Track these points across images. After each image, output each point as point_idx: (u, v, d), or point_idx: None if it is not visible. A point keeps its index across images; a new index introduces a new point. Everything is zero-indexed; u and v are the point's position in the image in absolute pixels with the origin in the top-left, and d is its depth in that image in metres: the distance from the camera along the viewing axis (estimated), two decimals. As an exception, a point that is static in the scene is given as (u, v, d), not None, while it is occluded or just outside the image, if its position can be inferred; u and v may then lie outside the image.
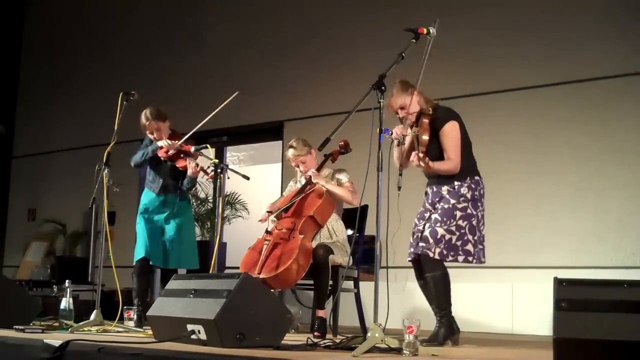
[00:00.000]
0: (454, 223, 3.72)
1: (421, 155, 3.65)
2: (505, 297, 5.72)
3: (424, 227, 3.81)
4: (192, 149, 4.67)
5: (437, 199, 3.84)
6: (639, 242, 5.40)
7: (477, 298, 5.62)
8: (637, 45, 5.63)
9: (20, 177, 9.94)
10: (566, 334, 2.34)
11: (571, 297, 2.39)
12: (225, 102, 4.52)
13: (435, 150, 3.81)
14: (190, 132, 4.76)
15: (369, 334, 3.03)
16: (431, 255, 3.72)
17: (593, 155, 5.69)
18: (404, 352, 2.95)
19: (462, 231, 3.73)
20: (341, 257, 4.41)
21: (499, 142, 5.96)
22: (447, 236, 3.72)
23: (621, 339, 2.28)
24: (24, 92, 10.16)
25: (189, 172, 4.73)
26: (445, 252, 3.71)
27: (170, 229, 4.89)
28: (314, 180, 4.53)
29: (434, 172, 3.77)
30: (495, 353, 3.59)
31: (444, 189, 3.82)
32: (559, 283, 2.43)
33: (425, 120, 3.82)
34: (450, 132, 3.81)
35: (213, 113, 4.57)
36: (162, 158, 4.85)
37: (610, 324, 2.30)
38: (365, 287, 4.76)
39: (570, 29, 5.95)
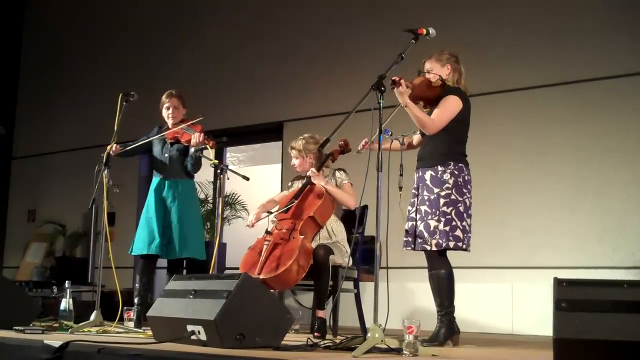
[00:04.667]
0: (440, 211, 3.72)
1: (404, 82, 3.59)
2: (505, 297, 5.72)
3: (415, 220, 3.81)
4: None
5: (420, 184, 3.84)
6: (638, 242, 5.41)
7: (477, 298, 5.61)
8: (637, 45, 5.64)
9: (20, 178, 9.94)
10: (566, 334, 2.34)
11: (571, 297, 2.39)
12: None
13: None
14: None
15: (369, 335, 3.03)
16: (429, 248, 3.73)
17: (593, 155, 5.69)
18: (404, 352, 2.95)
19: (448, 217, 3.71)
20: (341, 257, 4.41)
21: (499, 142, 5.97)
22: (439, 226, 3.71)
23: (621, 339, 2.28)
24: (24, 92, 10.16)
25: (193, 141, 4.68)
26: (440, 241, 3.70)
27: (174, 215, 4.85)
28: (313, 181, 4.53)
29: (410, 109, 3.66)
30: (495, 353, 3.59)
31: (427, 174, 3.80)
32: (558, 283, 2.43)
33: (438, 82, 3.79)
34: (449, 103, 3.78)
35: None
36: (166, 140, 4.88)
37: (610, 324, 2.30)
38: (365, 288, 4.77)
39: (570, 29, 5.96)
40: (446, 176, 3.75)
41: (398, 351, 2.99)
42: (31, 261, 8.69)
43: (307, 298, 5.06)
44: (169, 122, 4.93)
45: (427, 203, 3.77)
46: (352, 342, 3.17)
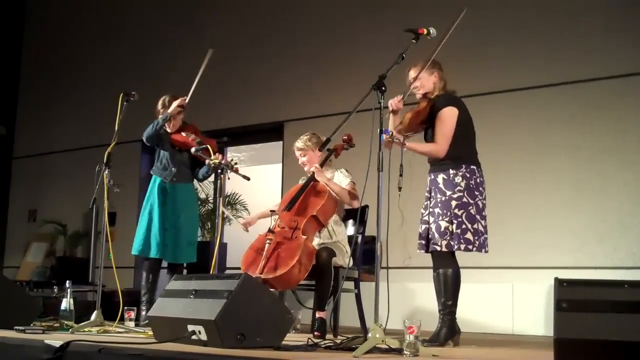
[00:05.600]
0: (452, 213, 3.74)
1: (397, 135, 3.67)
2: (506, 298, 5.72)
3: (428, 223, 3.83)
4: (193, 149, 4.66)
5: (433, 187, 3.88)
6: (638, 242, 5.40)
7: (477, 298, 5.60)
8: (637, 45, 5.63)
9: (20, 178, 9.94)
10: (567, 334, 2.34)
11: (572, 297, 2.39)
12: (204, 64, 4.99)
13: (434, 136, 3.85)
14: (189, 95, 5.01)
15: (369, 335, 3.03)
16: (439, 249, 3.75)
17: (593, 155, 5.69)
18: (405, 352, 2.95)
19: (459, 220, 3.74)
20: (342, 257, 4.41)
21: (499, 142, 5.96)
22: (450, 227, 3.74)
23: (621, 339, 2.28)
24: (24, 92, 10.16)
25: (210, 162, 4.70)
26: (452, 242, 3.73)
27: (177, 220, 4.88)
28: (317, 177, 4.52)
29: (411, 150, 3.75)
30: (495, 353, 3.60)
31: (440, 177, 3.84)
32: (559, 283, 2.43)
33: (424, 103, 3.85)
34: (445, 117, 3.82)
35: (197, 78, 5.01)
36: (174, 145, 4.91)
37: (610, 324, 2.30)
38: (366, 288, 4.76)
39: (570, 29, 5.95)
40: (458, 179, 3.78)
41: (399, 351, 2.99)
42: (32, 261, 8.69)
43: (308, 298, 5.06)
44: (169, 129, 4.96)
45: (439, 205, 3.80)
46: (353, 342, 3.17)
